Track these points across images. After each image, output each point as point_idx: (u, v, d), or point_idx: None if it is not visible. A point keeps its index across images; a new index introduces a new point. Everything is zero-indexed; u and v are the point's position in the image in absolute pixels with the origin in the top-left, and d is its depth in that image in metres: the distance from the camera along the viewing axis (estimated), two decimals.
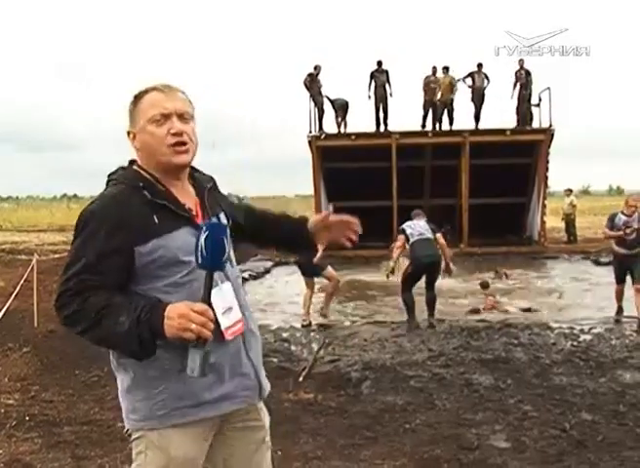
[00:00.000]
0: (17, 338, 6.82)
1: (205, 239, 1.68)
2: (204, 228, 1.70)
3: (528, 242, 17.07)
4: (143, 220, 1.74)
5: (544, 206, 16.76)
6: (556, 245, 17.42)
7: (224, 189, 2.20)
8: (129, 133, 1.87)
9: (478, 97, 16.76)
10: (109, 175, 1.89)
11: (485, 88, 16.76)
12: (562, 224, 18.88)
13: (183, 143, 1.81)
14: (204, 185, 1.94)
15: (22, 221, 30.58)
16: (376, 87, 16.58)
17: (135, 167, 1.88)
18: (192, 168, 1.97)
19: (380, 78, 16.55)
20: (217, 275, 1.76)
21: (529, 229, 17.48)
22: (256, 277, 13.12)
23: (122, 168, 1.90)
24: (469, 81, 16.78)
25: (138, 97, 1.85)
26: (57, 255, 10.89)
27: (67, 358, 5.98)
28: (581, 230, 19.24)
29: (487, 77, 16.80)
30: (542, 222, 16.74)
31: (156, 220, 1.75)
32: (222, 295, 1.79)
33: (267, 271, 13.98)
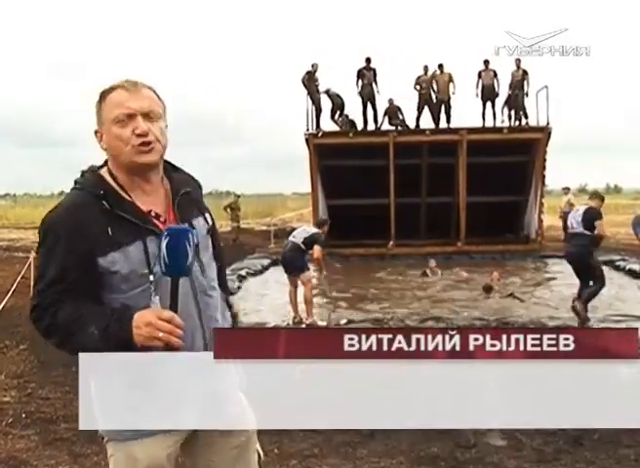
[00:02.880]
0: (14, 336, 6.81)
1: (166, 245, 1.64)
2: (164, 233, 1.66)
3: (525, 240, 17.10)
4: (100, 231, 1.70)
5: (542, 204, 16.78)
6: (553, 243, 17.44)
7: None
8: (96, 132, 1.80)
9: (489, 95, 16.71)
10: (76, 179, 1.84)
11: (495, 85, 16.70)
12: (560, 223, 18.93)
13: (149, 143, 1.74)
14: (178, 188, 1.86)
15: (19, 218, 30.54)
16: (363, 85, 16.62)
17: (102, 171, 1.82)
18: (173, 168, 1.92)
19: (367, 76, 16.58)
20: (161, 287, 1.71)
21: (526, 228, 17.49)
22: (253, 274, 13.11)
23: (91, 170, 1.84)
24: (480, 83, 16.72)
25: (103, 96, 1.78)
26: None
27: (64, 355, 5.90)
28: None
29: (495, 74, 16.77)
30: (540, 221, 16.76)
31: (110, 232, 1.70)
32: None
33: (265, 268, 13.94)
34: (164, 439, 1.82)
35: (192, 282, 1.80)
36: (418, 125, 17.09)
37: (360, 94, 16.62)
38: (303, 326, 7.86)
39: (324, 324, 8.14)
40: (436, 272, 12.57)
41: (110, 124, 1.74)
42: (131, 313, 1.66)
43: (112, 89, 1.77)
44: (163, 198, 1.84)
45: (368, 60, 16.64)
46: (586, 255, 7.82)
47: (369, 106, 16.74)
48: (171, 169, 1.92)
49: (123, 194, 1.77)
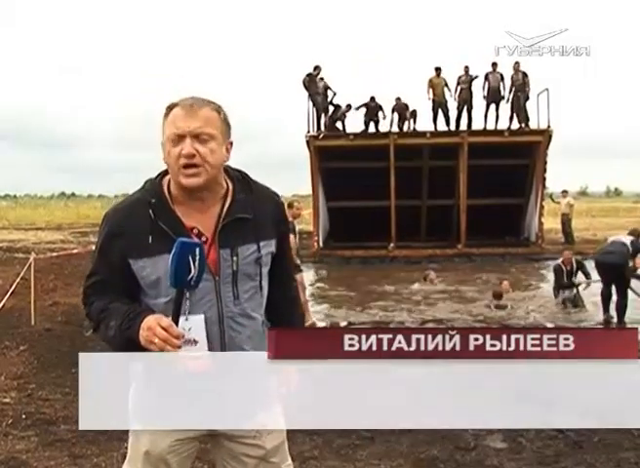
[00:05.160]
0: (13, 337, 6.81)
1: (172, 256, 1.69)
2: (175, 246, 1.70)
3: (526, 243, 17.10)
4: (140, 236, 1.78)
5: (542, 207, 16.78)
6: (553, 246, 17.43)
7: None
8: (162, 144, 1.85)
9: (494, 98, 16.71)
10: (146, 180, 1.91)
11: (501, 88, 16.70)
12: (559, 226, 18.95)
13: (194, 165, 1.76)
14: (234, 213, 1.84)
15: (20, 219, 30.55)
16: (367, 109, 16.77)
17: (165, 178, 1.88)
18: (248, 188, 1.90)
19: (370, 108, 16.73)
20: (195, 304, 1.77)
21: (526, 230, 17.50)
22: None
23: (159, 174, 1.90)
24: (487, 85, 16.71)
25: (167, 111, 1.83)
26: (54, 254, 10.89)
27: (64, 356, 5.97)
28: (579, 231, 19.28)
29: (502, 76, 16.76)
30: (540, 223, 16.77)
31: (150, 240, 1.78)
32: (186, 327, 1.75)
33: None
34: (168, 431, 1.88)
35: (220, 305, 1.82)
36: (457, 126, 16.94)
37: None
38: None
39: (324, 324, 8.16)
40: (435, 283, 12.36)
41: (166, 141, 1.81)
42: (145, 314, 1.72)
43: (174, 106, 1.81)
44: (214, 219, 1.84)
45: (372, 99, 16.76)
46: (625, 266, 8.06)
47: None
48: (244, 190, 1.90)
49: (171, 206, 1.82)
